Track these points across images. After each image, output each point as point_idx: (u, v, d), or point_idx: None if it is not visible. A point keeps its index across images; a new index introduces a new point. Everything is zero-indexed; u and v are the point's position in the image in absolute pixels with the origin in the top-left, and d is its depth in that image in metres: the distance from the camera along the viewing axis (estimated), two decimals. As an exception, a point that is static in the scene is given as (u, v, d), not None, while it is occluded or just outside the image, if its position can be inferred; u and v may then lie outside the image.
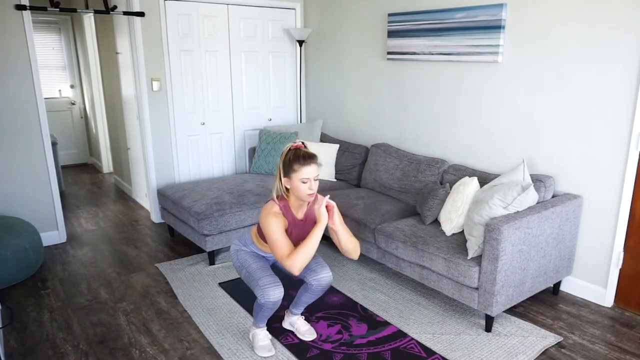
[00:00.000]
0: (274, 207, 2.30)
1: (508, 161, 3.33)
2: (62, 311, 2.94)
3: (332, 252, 3.72)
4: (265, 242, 2.40)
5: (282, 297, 2.34)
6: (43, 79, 5.70)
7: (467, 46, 3.38)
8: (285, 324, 2.74)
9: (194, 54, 4.39)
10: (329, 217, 2.29)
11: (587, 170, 2.92)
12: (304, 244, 2.21)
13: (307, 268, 2.47)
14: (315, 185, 2.25)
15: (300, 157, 2.22)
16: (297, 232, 2.38)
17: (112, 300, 3.08)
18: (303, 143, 2.31)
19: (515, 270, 2.60)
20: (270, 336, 2.57)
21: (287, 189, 2.31)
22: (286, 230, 2.32)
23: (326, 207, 2.26)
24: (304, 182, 2.22)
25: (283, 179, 2.27)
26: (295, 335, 2.64)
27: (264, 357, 2.46)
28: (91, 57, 6.10)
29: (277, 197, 2.34)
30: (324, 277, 2.44)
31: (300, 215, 2.38)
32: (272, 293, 2.30)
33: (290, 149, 2.27)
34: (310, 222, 2.40)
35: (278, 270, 2.66)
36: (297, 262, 2.18)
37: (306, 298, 2.55)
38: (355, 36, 4.38)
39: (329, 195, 2.29)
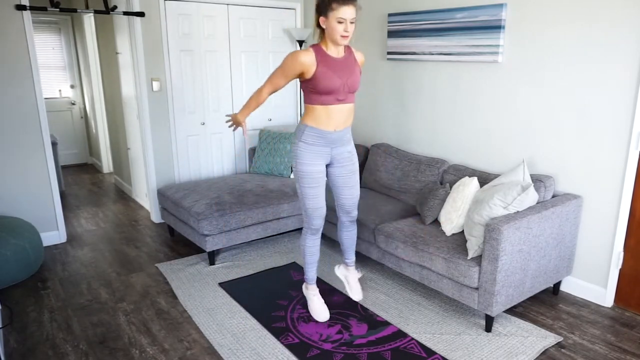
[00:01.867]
0: (306, 50, 2.38)
1: (508, 161, 3.33)
2: (62, 311, 2.94)
3: (332, 252, 3.72)
4: (313, 101, 2.47)
5: (322, 224, 2.67)
6: (43, 79, 5.69)
7: (467, 46, 3.38)
8: (339, 273, 2.96)
9: (194, 54, 4.39)
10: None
11: (587, 170, 2.92)
12: (254, 98, 2.54)
13: (342, 209, 2.77)
14: (350, 29, 2.30)
15: None
16: (340, 73, 2.41)
17: (112, 300, 3.08)
18: None
19: (515, 270, 2.60)
20: (322, 299, 2.83)
21: (322, 31, 2.36)
22: (326, 75, 2.36)
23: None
24: (340, 22, 2.25)
25: (320, 18, 2.31)
26: (296, 335, 2.64)
27: (320, 322, 2.71)
28: (91, 57, 6.11)
29: (314, 44, 2.43)
30: (352, 211, 2.79)
31: (338, 55, 2.43)
32: (315, 222, 2.62)
33: None
34: (350, 62, 2.46)
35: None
36: (261, 90, 2.52)
37: (344, 238, 2.84)
38: (355, 36, 4.35)
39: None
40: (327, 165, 2.66)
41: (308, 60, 2.35)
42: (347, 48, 2.53)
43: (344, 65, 2.44)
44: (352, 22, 2.29)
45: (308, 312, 2.87)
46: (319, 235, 2.76)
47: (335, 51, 2.42)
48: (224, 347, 2.55)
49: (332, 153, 2.60)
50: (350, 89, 2.49)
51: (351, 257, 2.94)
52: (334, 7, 2.23)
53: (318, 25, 2.36)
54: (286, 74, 2.41)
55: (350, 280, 2.94)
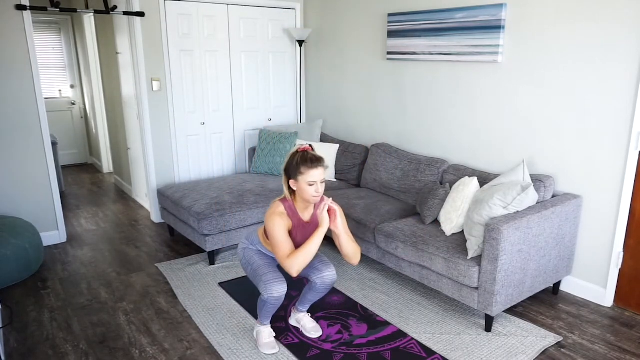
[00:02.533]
0: (280, 207, 2.33)
1: (508, 161, 3.33)
2: (62, 311, 2.94)
3: (332, 253, 3.71)
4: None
5: (285, 293, 2.36)
6: (43, 79, 5.70)
7: (467, 46, 3.39)
8: (292, 321, 2.75)
9: (194, 54, 4.39)
10: (331, 221, 2.31)
11: (587, 170, 2.92)
12: (303, 247, 2.23)
13: (312, 267, 2.49)
14: (321, 188, 2.28)
15: (307, 160, 2.25)
16: (302, 234, 2.40)
17: (112, 300, 3.08)
18: (310, 146, 2.34)
19: (515, 270, 2.60)
20: (274, 334, 2.58)
21: (293, 191, 2.34)
22: (290, 232, 2.34)
23: (328, 210, 2.27)
24: (310, 185, 2.25)
25: (290, 180, 2.30)
26: (296, 335, 2.64)
27: (268, 355, 2.47)
28: (91, 57, 6.11)
29: (283, 198, 2.37)
30: (328, 275, 2.46)
31: (306, 217, 2.40)
32: (276, 289, 2.32)
33: (297, 151, 2.30)
34: (315, 224, 2.42)
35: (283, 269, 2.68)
36: (295, 264, 2.21)
37: (311, 296, 2.58)
38: (355, 36, 4.38)
39: (332, 199, 2.30)
40: None
41: (287, 221, 2.33)
42: (316, 205, 2.44)
43: (308, 227, 2.41)
44: (322, 182, 2.28)
45: (308, 311, 2.87)
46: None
47: (303, 208, 2.38)
48: (224, 347, 2.55)
49: None
50: None
51: (307, 307, 2.70)
52: (303, 171, 2.23)
53: (288, 187, 2.33)
54: (284, 232, 2.29)
55: (306, 324, 2.68)
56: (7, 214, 3.73)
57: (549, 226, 2.73)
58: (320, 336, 2.63)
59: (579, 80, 2.87)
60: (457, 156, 3.67)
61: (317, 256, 2.53)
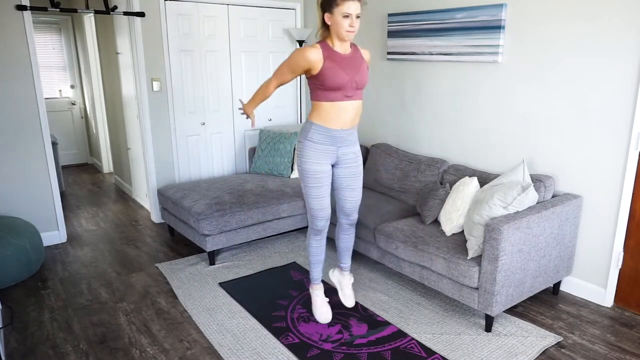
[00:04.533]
0: (315, 45, 2.38)
1: (508, 161, 3.33)
2: (62, 311, 2.94)
3: (333, 253, 3.72)
4: (320, 97, 2.43)
5: (326, 225, 2.65)
6: (43, 79, 5.70)
7: (467, 46, 3.39)
8: (333, 278, 2.94)
9: (194, 54, 4.39)
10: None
11: (587, 170, 2.92)
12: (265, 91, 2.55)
13: (342, 212, 2.74)
14: (356, 23, 2.30)
15: None
16: (348, 67, 2.40)
17: (113, 300, 3.08)
18: None
19: (515, 270, 2.60)
20: (327, 299, 2.82)
21: (327, 28, 2.36)
22: (322, 71, 2.34)
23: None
24: (345, 17, 2.26)
25: (325, 15, 2.31)
26: (296, 335, 2.64)
27: (319, 322, 2.71)
28: (91, 57, 6.11)
29: (319, 41, 2.42)
30: (351, 215, 2.75)
31: (346, 50, 2.43)
32: (318, 222, 2.61)
33: None
34: (357, 58, 2.46)
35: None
36: (267, 83, 2.54)
37: (342, 241, 2.80)
38: (355, 36, 4.36)
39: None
40: (332, 166, 2.63)
41: (315, 57, 2.33)
42: (353, 45, 2.51)
43: (351, 61, 2.42)
44: (357, 17, 2.29)
45: (308, 312, 2.87)
46: (324, 236, 2.74)
47: (341, 47, 2.40)
48: (224, 347, 2.55)
49: (337, 153, 2.56)
50: (358, 86, 2.46)
51: (347, 262, 2.88)
52: (339, 2, 2.24)
53: (323, 22, 2.35)
54: (293, 69, 2.41)
55: (344, 286, 2.87)
56: (7, 214, 3.73)
57: (549, 226, 2.73)
58: (321, 336, 2.63)
59: (579, 80, 2.87)
60: (457, 156, 3.67)
61: (353, 203, 2.72)
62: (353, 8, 2.26)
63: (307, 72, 2.41)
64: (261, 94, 2.58)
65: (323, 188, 2.57)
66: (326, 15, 2.31)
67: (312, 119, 2.50)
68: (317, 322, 2.76)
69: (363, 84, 2.50)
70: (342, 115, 2.46)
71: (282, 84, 2.54)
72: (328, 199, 2.62)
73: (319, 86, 2.41)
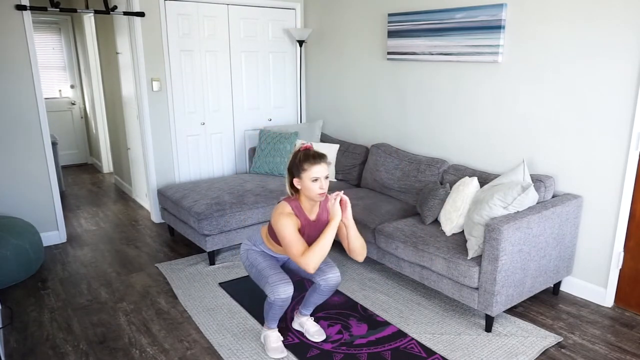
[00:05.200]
0: (287, 208, 2.32)
1: (508, 161, 3.33)
2: (62, 311, 2.94)
3: (333, 253, 3.71)
4: (276, 242, 2.42)
5: (291, 294, 2.34)
6: (43, 79, 5.70)
7: (467, 46, 3.38)
8: (295, 325, 2.74)
9: (194, 54, 4.39)
10: (343, 212, 2.31)
11: (587, 170, 2.92)
12: (318, 242, 2.23)
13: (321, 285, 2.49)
14: (325, 184, 2.28)
15: (310, 156, 2.26)
16: (310, 232, 2.39)
17: (112, 300, 3.08)
18: (311, 144, 2.36)
19: (515, 270, 2.60)
20: (282, 338, 2.56)
21: (297, 190, 2.34)
22: (299, 231, 2.33)
23: (340, 201, 2.28)
24: (314, 181, 2.25)
25: (294, 180, 2.30)
26: (296, 335, 2.64)
27: (276, 359, 2.46)
28: (91, 57, 6.11)
29: (288, 198, 2.37)
30: (332, 277, 2.45)
31: (312, 216, 2.40)
32: (282, 290, 2.31)
33: (300, 149, 2.31)
34: (322, 222, 2.42)
35: (287, 269, 2.67)
36: (311, 260, 2.20)
37: (315, 299, 2.57)
38: (355, 36, 4.38)
39: (342, 192, 2.31)
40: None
41: (296, 220, 2.32)
42: (322, 202, 2.45)
43: (316, 225, 2.41)
44: (326, 178, 2.28)
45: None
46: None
47: (309, 207, 2.37)
48: (224, 347, 2.55)
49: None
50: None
51: (310, 311, 2.68)
52: (306, 167, 2.23)
53: (292, 186, 2.33)
54: (294, 229, 2.27)
55: (309, 327, 2.66)
56: (7, 214, 3.73)
57: (549, 226, 2.73)
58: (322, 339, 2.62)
59: (579, 80, 2.87)
60: (457, 156, 3.67)
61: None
62: (320, 171, 2.24)
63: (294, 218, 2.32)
64: (320, 250, 2.25)
65: (276, 266, 2.48)
66: (295, 180, 2.29)
67: (264, 240, 2.52)
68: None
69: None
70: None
71: (305, 244, 2.29)
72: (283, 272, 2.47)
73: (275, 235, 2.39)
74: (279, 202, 2.38)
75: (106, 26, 5.09)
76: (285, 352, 2.49)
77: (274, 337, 2.52)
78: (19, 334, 2.70)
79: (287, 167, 2.34)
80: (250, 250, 2.54)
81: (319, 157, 2.27)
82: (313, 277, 2.49)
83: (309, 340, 2.60)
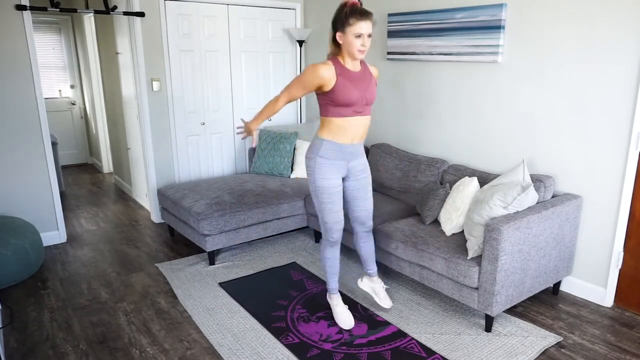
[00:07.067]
0: (328, 63, 2.38)
1: (508, 161, 3.33)
2: (62, 311, 2.94)
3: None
4: (331, 113, 2.45)
5: (341, 236, 2.66)
6: (43, 79, 5.70)
7: (467, 46, 3.39)
8: (364, 286, 2.92)
9: (194, 54, 4.39)
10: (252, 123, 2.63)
11: (587, 170, 2.92)
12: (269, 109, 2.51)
13: (357, 221, 2.75)
14: (368, 42, 2.32)
15: (357, 12, 2.28)
16: (357, 82, 2.42)
17: (112, 300, 3.08)
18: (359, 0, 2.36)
19: (515, 270, 2.60)
20: (346, 306, 2.79)
21: (338, 46, 2.37)
22: (335, 88, 2.36)
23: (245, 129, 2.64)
24: (357, 37, 2.28)
25: (337, 34, 2.33)
26: (296, 335, 2.64)
27: (346, 330, 2.68)
28: (91, 57, 6.11)
29: (331, 58, 2.43)
30: (368, 224, 2.78)
31: (356, 69, 2.44)
32: (335, 235, 2.61)
33: (346, 3, 2.30)
34: (367, 75, 2.48)
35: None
36: (270, 102, 2.50)
37: (364, 249, 2.81)
38: (355, 36, 4.37)
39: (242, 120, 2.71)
40: (343, 179, 2.64)
41: (328, 74, 2.35)
42: (362, 62, 2.52)
43: (362, 78, 2.45)
44: (369, 36, 2.31)
45: (308, 312, 2.87)
46: (339, 246, 2.74)
47: (352, 65, 2.43)
48: (224, 347, 2.55)
49: (348, 166, 2.59)
50: (368, 102, 2.49)
51: (373, 268, 2.89)
52: (352, 22, 2.26)
53: (334, 40, 2.37)
54: (305, 85, 2.40)
55: (378, 290, 2.88)
56: (7, 214, 3.73)
57: (549, 226, 2.73)
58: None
59: (579, 80, 2.87)
60: (457, 156, 3.67)
61: (365, 211, 2.73)
62: (365, 28, 2.28)
63: (319, 89, 2.41)
64: (269, 110, 2.52)
65: (338, 202, 2.59)
66: (338, 34, 2.33)
67: (322, 135, 2.52)
68: (340, 327, 2.73)
69: (372, 100, 2.53)
70: (352, 130, 2.50)
71: (291, 100, 2.51)
72: (342, 211, 2.64)
73: (330, 102, 2.42)
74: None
75: (106, 26, 5.09)
76: (352, 323, 2.71)
77: (339, 309, 2.75)
78: (19, 334, 2.70)
79: (331, 21, 2.36)
80: (315, 168, 2.53)
81: (366, 14, 2.28)
82: (355, 228, 2.78)
83: (306, 337, 2.60)
